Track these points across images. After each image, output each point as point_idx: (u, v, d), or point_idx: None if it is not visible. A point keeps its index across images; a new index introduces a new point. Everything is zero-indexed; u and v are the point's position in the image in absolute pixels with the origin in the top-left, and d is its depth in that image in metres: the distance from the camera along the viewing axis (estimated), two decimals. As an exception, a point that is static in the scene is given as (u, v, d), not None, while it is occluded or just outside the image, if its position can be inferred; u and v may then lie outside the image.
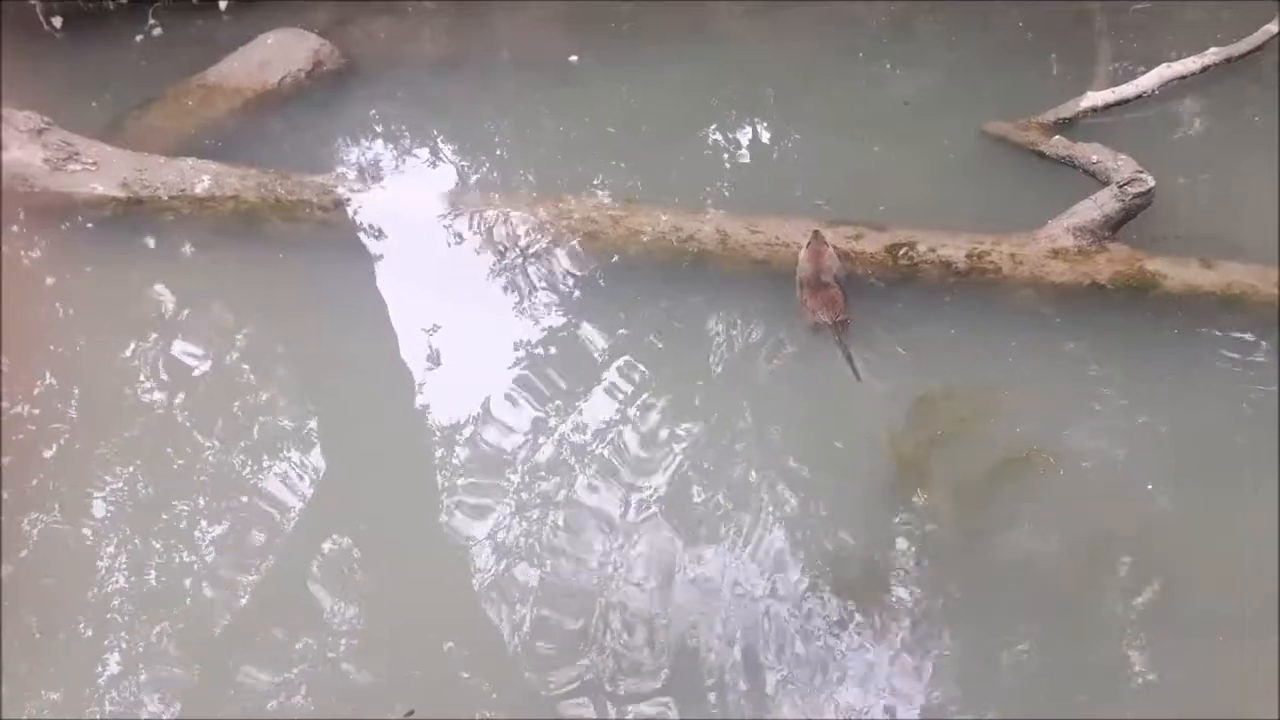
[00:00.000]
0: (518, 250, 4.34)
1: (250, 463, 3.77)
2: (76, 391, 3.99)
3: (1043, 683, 3.15)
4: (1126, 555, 3.40)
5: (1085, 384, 3.88)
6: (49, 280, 4.42)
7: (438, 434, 3.81)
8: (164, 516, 3.61)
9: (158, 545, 3.53)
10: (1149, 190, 4.12)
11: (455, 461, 3.73)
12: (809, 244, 4.05)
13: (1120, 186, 4.13)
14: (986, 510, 3.51)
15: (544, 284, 4.28)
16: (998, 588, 3.36)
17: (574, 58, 5.49)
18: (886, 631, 3.26)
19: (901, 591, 3.35)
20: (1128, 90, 4.91)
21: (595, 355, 4.05)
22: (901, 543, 3.45)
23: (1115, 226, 4.14)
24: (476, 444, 3.78)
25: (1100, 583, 3.36)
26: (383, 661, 3.24)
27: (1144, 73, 4.97)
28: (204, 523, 3.60)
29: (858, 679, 3.16)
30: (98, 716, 3.15)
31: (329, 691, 3.18)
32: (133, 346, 4.17)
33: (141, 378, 4.06)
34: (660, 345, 4.05)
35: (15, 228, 4.53)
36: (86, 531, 3.57)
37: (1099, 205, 4.14)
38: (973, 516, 3.50)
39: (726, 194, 4.70)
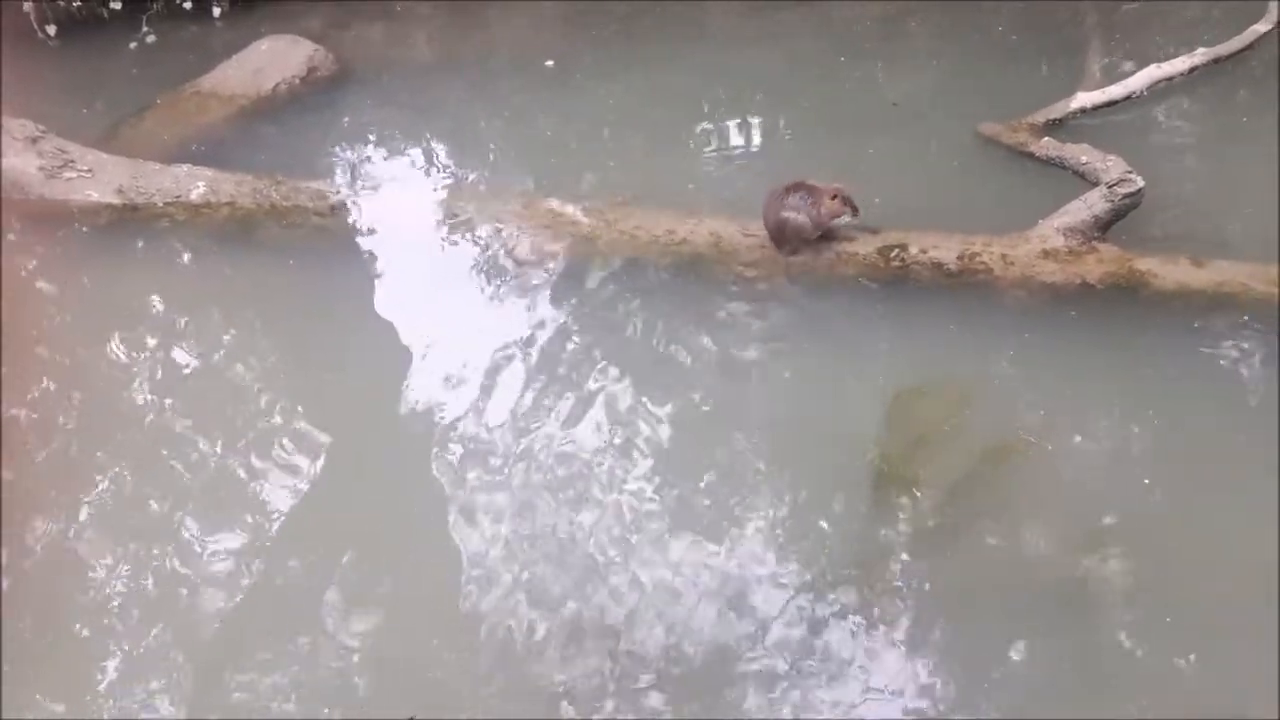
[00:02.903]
0: (512, 253, 4.35)
1: (247, 468, 3.77)
2: (73, 397, 3.99)
3: (1040, 682, 3.14)
4: (1123, 556, 3.39)
5: (1079, 384, 3.88)
6: (45, 287, 4.42)
7: (434, 438, 3.81)
8: (160, 521, 3.61)
9: (155, 550, 3.53)
10: (1138, 190, 4.13)
11: (452, 465, 3.73)
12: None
13: (1109, 187, 4.14)
14: (977, 510, 3.51)
15: (538, 287, 4.29)
16: (994, 587, 3.36)
17: (549, 62, 5.50)
18: (879, 630, 3.26)
19: (895, 588, 3.35)
20: (1117, 91, 4.93)
21: (588, 357, 4.06)
22: (893, 540, 3.46)
23: (1105, 226, 4.16)
24: (473, 447, 3.78)
25: (1097, 583, 3.35)
26: (384, 666, 3.24)
27: (1133, 73, 4.99)
28: (201, 527, 3.60)
29: (852, 679, 3.17)
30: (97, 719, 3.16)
31: (330, 696, 3.18)
32: (129, 353, 4.17)
33: (138, 383, 4.06)
34: (653, 347, 4.07)
35: (11, 236, 4.53)
36: (84, 536, 3.56)
37: (1089, 205, 4.15)
38: (965, 515, 3.50)
39: (719, 196, 4.70)
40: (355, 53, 5.61)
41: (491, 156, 5.08)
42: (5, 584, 3.42)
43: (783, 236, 4.12)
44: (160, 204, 4.52)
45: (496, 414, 3.88)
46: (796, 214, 4.07)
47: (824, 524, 3.52)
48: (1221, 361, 3.89)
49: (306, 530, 3.58)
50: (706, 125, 5.13)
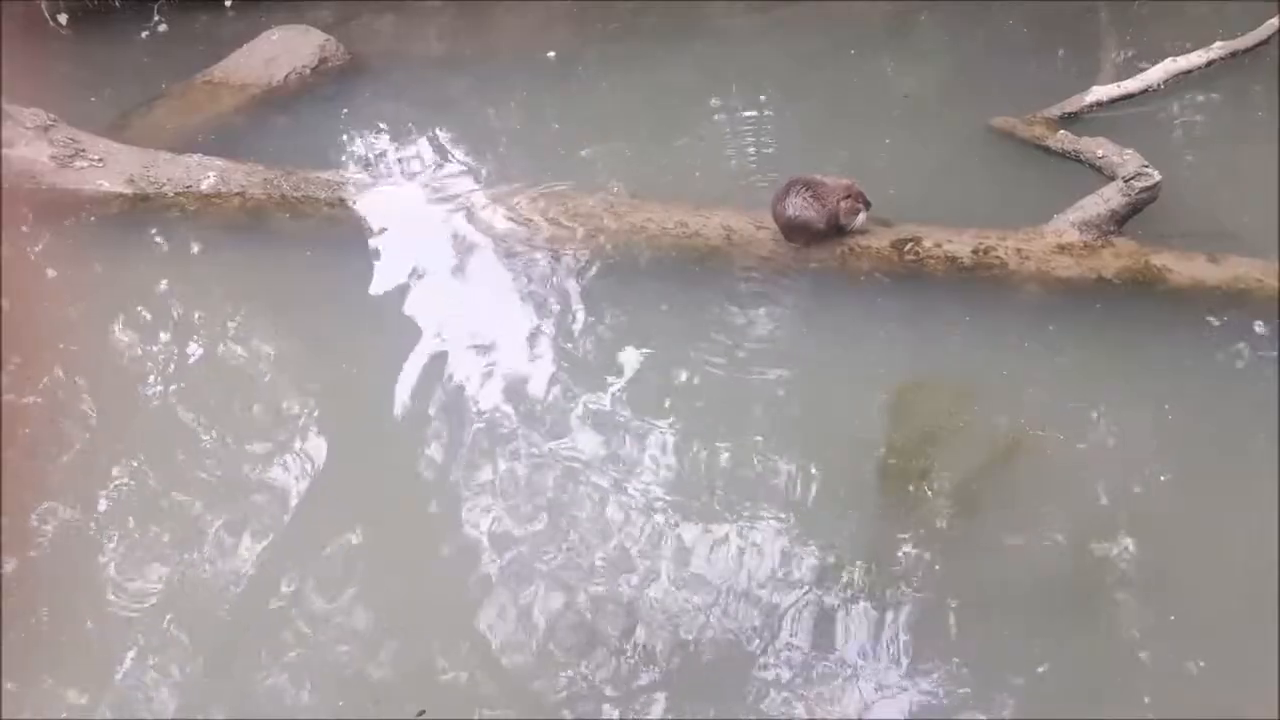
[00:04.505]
0: (522, 246, 4.35)
1: (257, 459, 3.78)
2: (83, 387, 4.00)
3: (1043, 681, 3.14)
4: (1127, 553, 3.39)
5: (1092, 380, 3.87)
6: (55, 277, 4.43)
7: (444, 430, 3.81)
8: (171, 513, 3.61)
9: (164, 542, 3.53)
10: (1155, 185, 4.11)
11: (462, 458, 3.73)
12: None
13: (1126, 181, 4.13)
14: (986, 506, 3.51)
15: (548, 280, 4.28)
16: (1000, 584, 3.35)
17: (551, 54, 5.49)
18: (887, 627, 3.25)
19: (903, 585, 3.34)
20: (1133, 85, 4.91)
21: (597, 350, 4.06)
22: (902, 536, 3.45)
23: (1121, 221, 4.14)
24: (482, 440, 3.78)
25: (1100, 581, 3.34)
26: (393, 661, 3.24)
27: (1149, 67, 4.97)
28: (211, 519, 3.60)
29: (860, 677, 3.16)
30: (100, 717, 3.15)
31: (339, 691, 3.18)
32: (139, 343, 4.18)
33: (148, 374, 4.07)
34: (665, 340, 4.06)
35: (22, 225, 4.54)
36: (93, 528, 3.57)
37: (1105, 200, 4.13)
38: (974, 512, 3.49)
39: (729, 190, 4.68)
40: (365, 44, 5.61)
41: (501, 149, 5.07)
42: (8, 576, 3.42)
43: (792, 232, 4.11)
44: (171, 194, 4.53)
45: (506, 406, 3.87)
46: (804, 210, 4.06)
47: (833, 519, 3.51)
48: (1235, 358, 3.88)
49: (316, 522, 3.58)
50: (717, 120, 5.12)
